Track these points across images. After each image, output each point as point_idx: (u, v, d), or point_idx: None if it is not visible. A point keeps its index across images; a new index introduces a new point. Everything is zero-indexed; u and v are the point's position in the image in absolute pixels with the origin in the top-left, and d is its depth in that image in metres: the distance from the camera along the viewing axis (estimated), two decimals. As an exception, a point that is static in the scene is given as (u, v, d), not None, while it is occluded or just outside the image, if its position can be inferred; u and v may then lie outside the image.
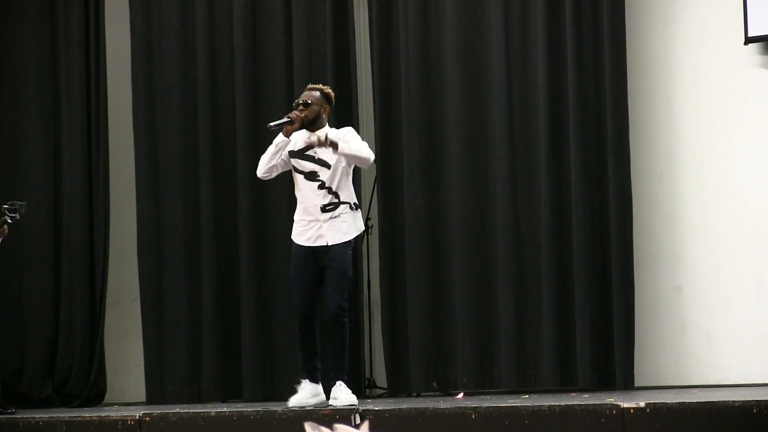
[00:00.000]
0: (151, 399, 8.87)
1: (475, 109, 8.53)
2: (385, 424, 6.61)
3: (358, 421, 6.65)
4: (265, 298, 8.75)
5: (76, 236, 9.05)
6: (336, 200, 7.13)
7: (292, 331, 8.40)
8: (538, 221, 8.33)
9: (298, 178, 7.19)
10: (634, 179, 8.24)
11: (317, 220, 7.13)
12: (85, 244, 9.04)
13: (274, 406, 7.21)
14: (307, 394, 7.11)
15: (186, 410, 7.35)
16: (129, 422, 7.20)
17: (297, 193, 7.25)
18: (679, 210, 8.42)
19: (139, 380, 9.11)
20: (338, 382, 7.09)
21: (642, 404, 6.25)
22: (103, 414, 7.47)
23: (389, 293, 8.61)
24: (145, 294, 8.96)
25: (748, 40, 8.25)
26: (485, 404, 6.67)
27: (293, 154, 7.18)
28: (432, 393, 8.49)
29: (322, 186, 7.12)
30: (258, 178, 7.33)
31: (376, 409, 6.87)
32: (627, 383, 8.03)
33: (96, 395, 8.98)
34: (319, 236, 7.12)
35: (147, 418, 7.18)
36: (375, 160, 7.43)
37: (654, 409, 6.21)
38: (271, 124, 7.17)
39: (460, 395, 8.16)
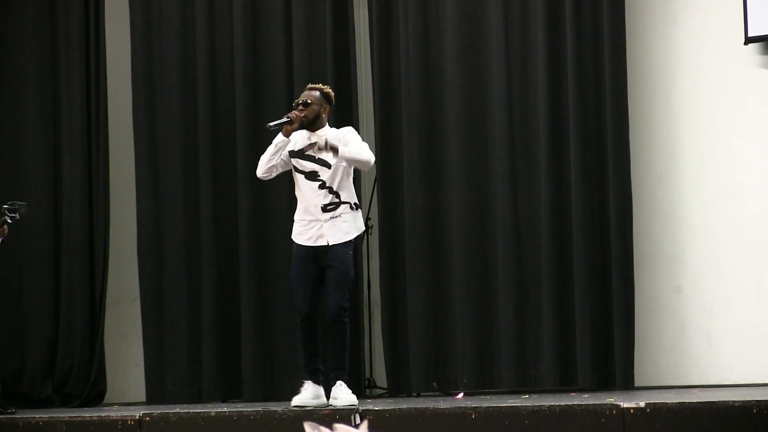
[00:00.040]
0: (151, 399, 8.87)
1: (475, 109, 8.53)
2: (385, 424, 6.61)
3: (358, 421, 6.65)
4: (265, 298, 8.75)
5: (76, 236, 9.05)
6: (337, 200, 7.13)
7: (292, 331, 8.41)
8: (538, 221, 8.33)
9: (299, 178, 7.19)
10: (634, 179, 8.24)
11: (318, 220, 7.12)
12: (85, 244, 9.04)
13: (274, 406, 7.21)
14: (309, 395, 7.10)
15: (186, 410, 7.35)
16: (129, 422, 7.20)
17: (297, 193, 7.25)
18: (679, 210, 8.43)
19: (139, 380, 9.11)
20: (338, 382, 7.09)
21: (642, 404, 6.25)
22: (103, 414, 7.47)
23: (389, 293, 8.61)
24: (145, 294, 8.96)
25: (748, 40, 8.25)
26: (485, 404, 6.67)
27: (293, 154, 7.18)
28: (432, 393, 8.49)
29: (322, 186, 7.11)
30: (258, 178, 7.33)
31: (376, 409, 6.87)
32: (627, 383, 8.03)
33: (96, 395, 8.98)
34: (320, 236, 7.12)
35: (147, 418, 7.18)
36: (375, 160, 7.41)
37: (654, 409, 6.21)
38: (271, 124, 7.17)
39: (460, 395, 8.16)
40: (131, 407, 8.42)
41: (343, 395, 7.05)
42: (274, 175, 7.26)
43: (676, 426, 6.15)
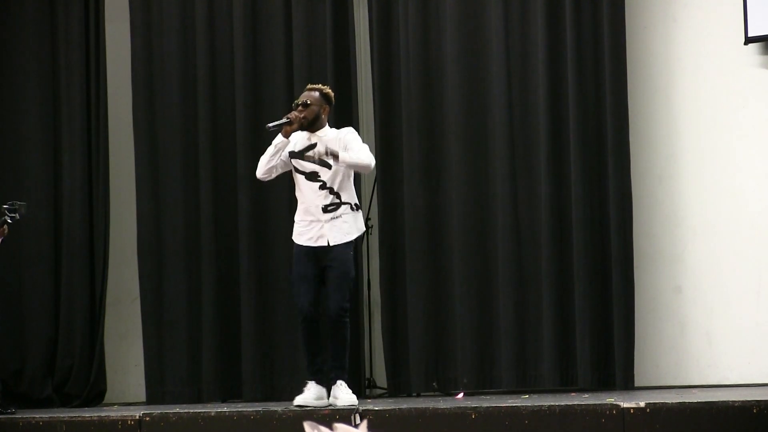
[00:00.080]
0: (151, 399, 8.87)
1: (475, 109, 8.53)
2: (385, 424, 6.61)
3: (358, 421, 6.65)
4: (265, 298, 8.74)
5: (76, 236, 9.05)
6: (337, 200, 7.13)
7: (292, 331, 8.41)
8: (538, 221, 8.33)
9: (299, 179, 7.19)
10: (634, 179, 8.24)
11: (318, 221, 7.12)
12: (85, 244, 9.04)
13: (274, 406, 7.21)
14: (312, 395, 7.10)
15: (186, 410, 7.35)
16: (129, 422, 7.20)
17: (298, 194, 7.24)
18: (679, 210, 8.42)
19: (139, 380, 9.11)
20: (339, 382, 7.09)
21: (642, 404, 6.25)
22: (103, 414, 7.47)
23: (389, 293, 8.61)
24: (145, 294, 8.96)
25: (748, 40, 8.25)
26: (485, 404, 6.67)
27: (293, 154, 7.18)
28: (432, 393, 8.49)
29: (323, 186, 7.11)
30: (258, 179, 7.33)
31: (376, 409, 6.87)
32: (627, 383, 8.03)
33: (96, 395, 8.98)
34: (320, 236, 7.12)
35: (147, 418, 7.18)
36: (375, 161, 7.40)
37: (654, 409, 6.21)
38: (270, 124, 7.17)
39: (460, 395, 8.16)
40: (131, 407, 8.42)
41: (343, 395, 7.05)
42: (273, 176, 7.26)
43: (676, 426, 6.15)
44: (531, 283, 8.33)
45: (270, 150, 7.14)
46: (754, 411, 6.08)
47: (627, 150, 8.21)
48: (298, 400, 7.08)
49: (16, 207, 7.97)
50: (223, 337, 8.81)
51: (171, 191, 8.99)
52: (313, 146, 7.14)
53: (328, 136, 7.17)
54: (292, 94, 8.48)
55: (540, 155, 8.33)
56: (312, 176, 7.13)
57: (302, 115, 7.14)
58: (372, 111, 8.79)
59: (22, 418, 7.67)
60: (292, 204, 7.53)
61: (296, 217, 7.25)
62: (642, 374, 8.22)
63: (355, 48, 8.73)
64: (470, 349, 8.38)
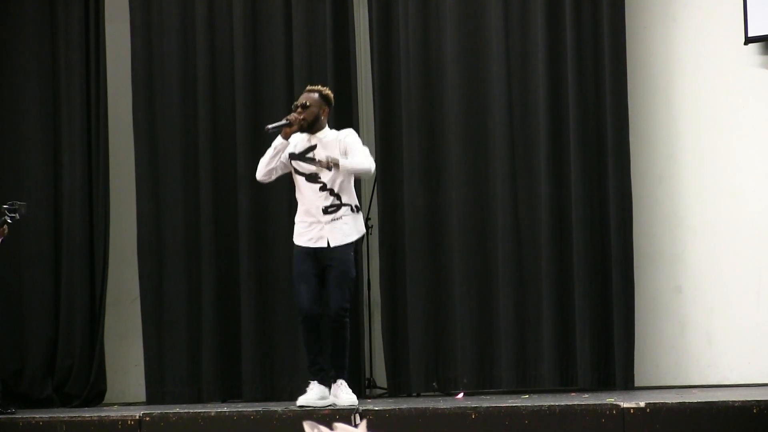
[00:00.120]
0: (151, 399, 8.87)
1: (475, 109, 8.53)
2: (385, 424, 6.61)
3: (358, 420, 6.65)
4: (265, 298, 8.74)
5: (76, 236, 9.05)
6: (338, 202, 7.12)
7: (292, 331, 8.42)
8: (538, 221, 8.33)
9: (299, 180, 7.19)
10: (634, 179, 8.24)
11: (319, 222, 7.12)
12: (85, 244, 9.04)
13: (274, 406, 7.21)
14: (315, 395, 7.10)
15: (186, 410, 7.35)
16: (129, 422, 7.20)
17: (298, 195, 7.24)
18: (679, 210, 8.42)
19: (139, 380, 9.11)
20: (339, 381, 7.09)
21: (642, 404, 6.25)
22: (103, 414, 7.47)
23: (389, 293, 8.61)
24: (145, 294, 8.96)
25: (748, 40, 8.25)
26: (485, 404, 6.67)
27: (294, 156, 7.18)
28: (432, 393, 8.49)
29: (323, 188, 7.11)
30: (258, 181, 7.34)
31: (376, 409, 6.87)
32: (627, 383, 8.03)
33: (96, 395, 8.98)
34: (320, 237, 7.12)
35: (147, 418, 7.18)
36: (375, 161, 7.40)
37: (654, 409, 6.21)
38: (269, 126, 7.16)
39: (460, 395, 8.16)
40: (131, 407, 8.42)
41: (343, 395, 7.06)
42: (273, 177, 7.26)
43: (676, 426, 6.15)
44: (531, 283, 8.33)
45: (269, 152, 7.14)
46: (754, 411, 6.08)
47: (627, 150, 8.21)
48: (301, 400, 7.08)
49: (16, 207, 7.97)
50: (223, 337, 8.81)
51: (171, 191, 8.99)
52: (313, 148, 7.14)
53: (328, 138, 7.17)
54: (292, 94, 8.48)
55: (540, 155, 8.33)
56: (312, 178, 7.13)
57: (302, 117, 7.13)
58: (372, 111, 8.78)
59: (22, 418, 7.67)
60: (292, 204, 7.53)
61: (296, 218, 7.24)
62: (642, 374, 8.22)
63: (355, 48, 8.73)
64: (470, 349, 8.38)
